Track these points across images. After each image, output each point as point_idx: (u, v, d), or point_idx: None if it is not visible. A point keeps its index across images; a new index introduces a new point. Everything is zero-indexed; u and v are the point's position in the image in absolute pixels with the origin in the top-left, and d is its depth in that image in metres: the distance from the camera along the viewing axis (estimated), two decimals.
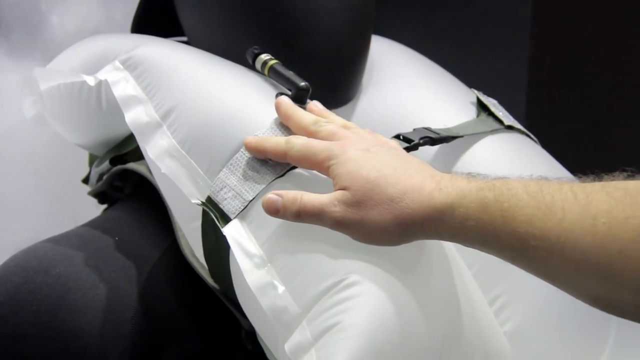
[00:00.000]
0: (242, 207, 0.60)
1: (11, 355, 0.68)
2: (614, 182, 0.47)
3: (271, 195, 0.53)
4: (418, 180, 0.50)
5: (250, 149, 0.57)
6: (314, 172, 0.59)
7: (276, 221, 0.59)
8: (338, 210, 0.52)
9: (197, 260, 0.69)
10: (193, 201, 0.62)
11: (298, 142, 0.55)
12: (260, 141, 0.57)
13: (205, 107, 0.65)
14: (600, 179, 0.49)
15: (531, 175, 0.51)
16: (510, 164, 0.71)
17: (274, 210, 0.53)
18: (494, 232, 0.48)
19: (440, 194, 0.49)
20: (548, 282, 0.49)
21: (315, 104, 0.61)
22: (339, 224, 0.52)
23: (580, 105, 0.73)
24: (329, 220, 0.51)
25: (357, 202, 0.52)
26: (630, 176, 0.46)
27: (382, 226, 0.51)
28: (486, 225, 0.48)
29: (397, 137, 0.69)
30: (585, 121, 0.72)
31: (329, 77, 0.72)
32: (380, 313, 0.55)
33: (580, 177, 0.51)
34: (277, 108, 0.59)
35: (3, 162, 0.88)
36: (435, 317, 0.57)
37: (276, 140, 0.56)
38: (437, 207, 0.49)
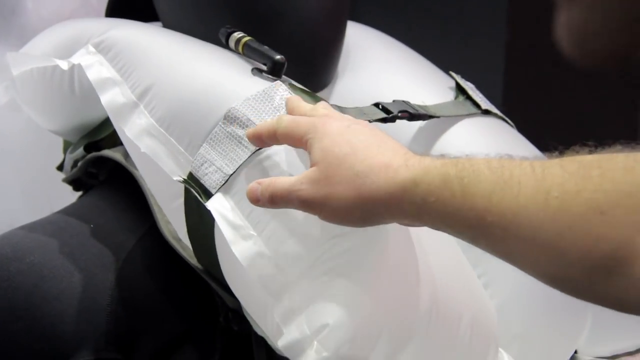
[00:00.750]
0: (224, 181, 0.60)
1: None
2: (570, 156, 0.46)
3: (252, 184, 0.53)
4: (387, 157, 0.50)
5: (250, 138, 0.57)
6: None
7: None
8: (304, 188, 0.51)
9: (179, 241, 0.69)
10: (175, 178, 0.62)
11: (285, 118, 0.55)
12: (257, 128, 0.57)
13: (181, 84, 0.66)
14: (563, 155, 0.48)
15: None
16: (486, 148, 0.70)
17: (254, 199, 0.53)
18: (455, 209, 0.47)
19: (405, 170, 0.48)
20: (508, 262, 0.48)
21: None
22: (304, 204, 0.51)
23: (557, 87, 0.74)
24: (295, 200, 0.51)
25: (324, 179, 0.51)
26: (592, 151, 0.45)
27: (346, 204, 0.50)
28: (447, 202, 0.47)
29: (377, 105, 0.69)
30: (562, 103, 0.73)
31: (305, 62, 0.72)
32: (367, 278, 0.56)
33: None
34: (286, 105, 0.60)
35: None
36: (424, 279, 0.59)
37: (269, 122, 0.56)
38: (400, 183, 0.48)
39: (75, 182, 0.81)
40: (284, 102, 0.62)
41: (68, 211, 0.75)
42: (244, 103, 0.60)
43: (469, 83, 0.77)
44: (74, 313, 0.67)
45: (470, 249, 0.65)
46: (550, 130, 0.67)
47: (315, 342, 0.55)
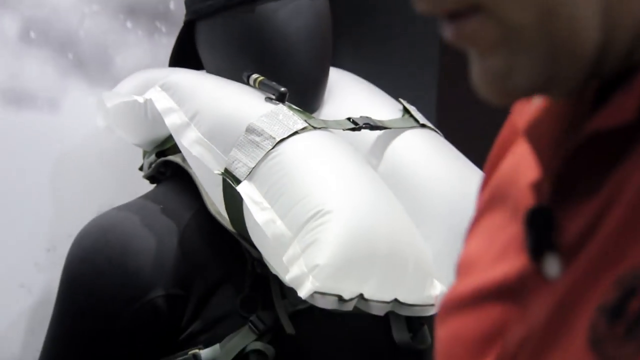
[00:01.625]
0: (248, 172, 0.85)
1: (93, 286, 0.95)
2: None
3: None
4: None
5: None
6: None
7: (271, 180, 0.85)
8: None
9: (220, 214, 0.92)
10: (215, 172, 0.88)
11: None
12: None
13: (217, 109, 0.92)
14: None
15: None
16: (423, 150, 0.97)
17: None
18: None
19: None
20: None
21: None
22: None
23: (483, 106, 0.95)
24: None
25: None
26: None
27: None
28: None
29: (348, 119, 0.94)
30: (490, 122, 0.92)
31: (301, 93, 0.97)
32: (342, 234, 0.82)
33: None
34: None
35: (88, 157, 1.13)
36: (384, 232, 0.84)
37: None
38: None
39: (151, 178, 1.05)
40: (286, 118, 0.89)
41: (146, 196, 1.00)
42: (259, 119, 0.87)
43: (411, 106, 1.01)
44: (151, 263, 0.93)
45: (415, 215, 0.91)
46: (474, 139, 0.88)
47: (310, 277, 0.81)
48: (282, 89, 0.91)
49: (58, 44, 1.15)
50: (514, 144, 0.53)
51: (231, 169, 0.88)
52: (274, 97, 0.92)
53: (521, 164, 0.47)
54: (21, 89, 1.13)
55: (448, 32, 0.36)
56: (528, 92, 0.39)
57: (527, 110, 0.45)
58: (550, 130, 0.42)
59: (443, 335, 0.57)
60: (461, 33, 0.36)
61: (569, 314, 0.37)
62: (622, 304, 0.36)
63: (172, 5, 1.21)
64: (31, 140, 1.15)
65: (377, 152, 0.95)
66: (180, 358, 0.92)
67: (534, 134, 0.44)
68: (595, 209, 0.37)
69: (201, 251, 0.99)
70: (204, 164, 0.90)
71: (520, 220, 0.42)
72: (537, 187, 0.41)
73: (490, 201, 0.52)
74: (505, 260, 0.47)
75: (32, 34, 1.13)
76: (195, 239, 0.99)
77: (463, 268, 0.54)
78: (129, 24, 1.19)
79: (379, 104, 1.02)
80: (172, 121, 0.93)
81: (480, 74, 0.38)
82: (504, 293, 0.47)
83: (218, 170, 0.89)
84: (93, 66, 1.17)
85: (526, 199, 0.42)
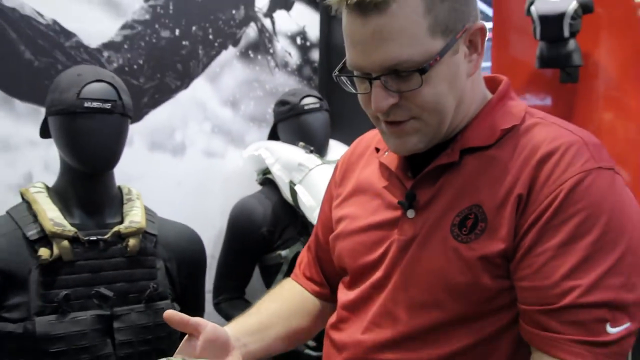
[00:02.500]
0: (299, 181, 2.02)
1: (239, 227, 2.13)
2: None
3: None
4: None
5: None
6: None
7: (307, 184, 2.00)
8: None
9: (288, 198, 2.08)
10: (286, 181, 2.07)
11: None
12: None
13: (287, 156, 2.08)
14: None
15: None
16: None
17: None
18: None
19: None
20: None
21: None
22: None
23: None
24: None
25: None
26: None
27: None
28: None
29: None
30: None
31: (317, 150, 2.21)
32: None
33: None
34: None
35: (233, 177, 2.46)
36: None
37: None
38: None
39: (260, 184, 2.26)
40: (313, 159, 2.05)
41: (260, 192, 2.21)
42: (303, 159, 2.06)
43: None
44: (261, 217, 2.11)
45: None
46: None
47: None
48: (312, 148, 2.16)
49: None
50: (355, 166, 1.16)
51: (293, 179, 2.11)
52: (309, 150, 2.17)
53: (371, 179, 1.10)
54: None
55: (385, 126, 0.97)
56: (420, 147, 0.98)
57: (359, 148, 1.19)
58: (399, 166, 1.03)
59: (346, 245, 1.10)
60: (401, 129, 0.95)
61: (436, 227, 0.97)
62: (462, 221, 0.95)
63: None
64: (207, 169, 2.45)
65: None
66: (274, 254, 2.13)
67: (390, 163, 1.05)
68: (433, 191, 0.98)
69: (280, 212, 2.12)
70: (282, 178, 2.14)
71: (385, 200, 1.05)
72: (398, 186, 1.02)
73: (354, 192, 1.11)
74: (380, 214, 1.05)
75: None
76: (278, 208, 2.12)
77: (349, 218, 1.10)
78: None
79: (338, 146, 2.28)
80: (269, 161, 2.16)
81: (399, 144, 0.98)
82: (384, 225, 1.04)
83: (288, 180, 2.13)
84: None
85: (390, 191, 1.05)
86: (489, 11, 5.34)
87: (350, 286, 1.11)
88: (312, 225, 2.05)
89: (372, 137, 1.21)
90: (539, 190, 0.91)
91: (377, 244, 1.05)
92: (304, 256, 1.31)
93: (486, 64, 4.43)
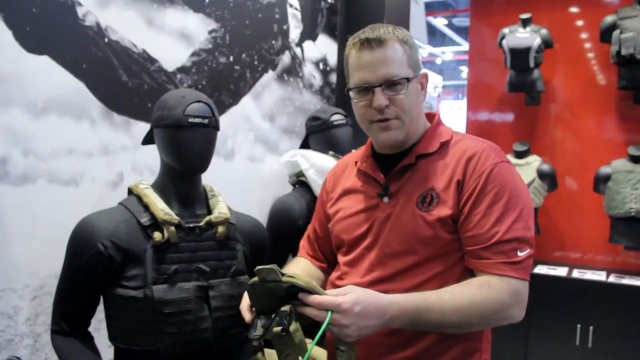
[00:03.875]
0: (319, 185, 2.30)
1: (280, 220, 2.29)
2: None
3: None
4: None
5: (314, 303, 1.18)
6: None
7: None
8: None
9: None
10: (319, 182, 2.26)
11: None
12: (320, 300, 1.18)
13: (319, 162, 2.25)
14: None
15: None
16: None
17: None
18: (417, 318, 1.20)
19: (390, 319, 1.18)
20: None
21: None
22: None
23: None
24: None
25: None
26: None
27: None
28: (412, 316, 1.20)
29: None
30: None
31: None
32: None
33: None
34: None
35: (270, 180, 2.62)
36: None
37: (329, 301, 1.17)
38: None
39: (294, 185, 2.42)
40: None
41: (294, 191, 2.37)
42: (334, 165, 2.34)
43: None
44: (298, 213, 2.25)
45: None
46: None
47: None
48: (340, 156, 2.33)
49: None
50: (341, 177, 1.56)
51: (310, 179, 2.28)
52: (338, 158, 2.34)
53: (354, 184, 1.49)
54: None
55: (376, 125, 1.37)
56: (399, 141, 1.39)
57: (341, 166, 1.60)
58: (375, 171, 1.44)
59: (342, 226, 1.48)
60: (388, 124, 1.35)
61: (406, 205, 1.37)
62: (423, 199, 1.36)
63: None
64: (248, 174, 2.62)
65: None
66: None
67: (366, 169, 1.46)
68: (400, 183, 1.38)
69: (313, 208, 1.95)
70: (316, 180, 2.29)
71: (366, 194, 1.45)
72: (374, 184, 1.43)
73: (344, 193, 1.50)
74: (362, 203, 1.45)
75: None
76: (311, 204, 2.19)
77: (342, 209, 1.49)
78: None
79: None
80: (305, 167, 2.33)
81: (386, 135, 1.37)
82: (367, 209, 1.43)
83: (320, 181, 2.27)
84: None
85: (370, 188, 1.45)
86: (466, 45, 5.54)
87: (347, 252, 1.45)
88: None
89: (349, 158, 1.60)
90: (469, 176, 1.32)
91: (365, 221, 1.42)
92: (305, 243, 1.66)
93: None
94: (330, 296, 1.13)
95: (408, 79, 1.33)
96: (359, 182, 1.48)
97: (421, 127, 1.42)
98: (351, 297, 1.13)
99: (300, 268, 1.55)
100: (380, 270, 1.35)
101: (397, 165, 1.39)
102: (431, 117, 1.47)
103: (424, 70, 1.41)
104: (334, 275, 1.47)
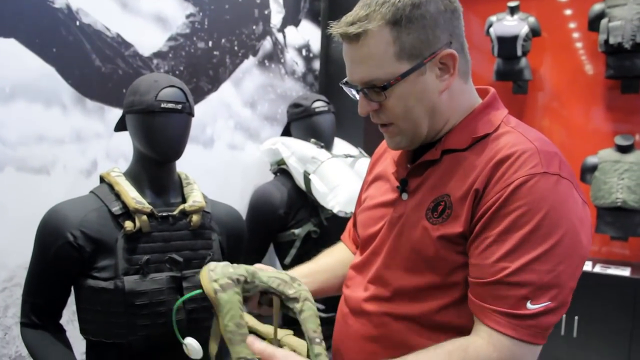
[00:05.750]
0: (313, 171, 2.22)
1: (259, 209, 2.26)
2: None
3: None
4: None
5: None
6: None
7: (320, 174, 2.14)
8: None
9: (301, 185, 2.20)
10: (301, 171, 2.20)
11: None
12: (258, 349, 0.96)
13: (300, 150, 2.25)
14: None
15: None
16: (364, 164, 2.35)
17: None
18: None
19: None
20: None
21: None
22: None
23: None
24: None
25: None
26: None
27: None
28: None
29: (345, 155, 2.31)
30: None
31: (326, 145, 2.34)
32: (344, 191, 2.23)
33: None
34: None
35: (250, 167, 2.58)
36: (354, 190, 2.26)
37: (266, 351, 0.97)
38: None
39: (275, 174, 2.37)
40: (323, 153, 2.20)
41: (275, 179, 2.34)
42: (315, 153, 2.25)
43: (360, 149, 2.43)
44: (278, 201, 2.22)
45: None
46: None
47: (336, 205, 2.13)
48: (322, 144, 2.30)
49: None
50: (381, 158, 1.31)
51: (307, 169, 2.21)
52: (320, 146, 2.31)
53: (387, 168, 1.23)
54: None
55: (379, 127, 1.11)
56: (406, 145, 1.11)
57: (383, 146, 1.32)
58: (402, 158, 1.17)
59: (362, 218, 1.25)
60: (386, 130, 1.10)
61: (417, 209, 1.08)
62: (435, 206, 1.05)
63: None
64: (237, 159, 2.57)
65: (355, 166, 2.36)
66: (288, 232, 2.25)
67: (395, 155, 1.20)
68: (420, 180, 1.09)
69: (294, 197, 2.22)
70: (297, 168, 2.24)
71: (391, 184, 1.17)
72: (400, 174, 1.15)
73: (375, 179, 1.26)
74: (386, 196, 1.19)
75: None
76: (292, 193, 2.21)
77: (369, 198, 1.25)
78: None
79: (351, 148, 2.43)
80: (286, 154, 2.28)
81: (389, 142, 1.12)
82: (386, 204, 1.18)
83: (302, 170, 2.24)
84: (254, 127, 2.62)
85: (394, 177, 1.16)
86: None
87: (361, 252, 1.22)
88: (321, 208, 2.21)
89: None
90: (492, 187, 0.97)
91: (379, 219, 1.16)
92: (350, 225, 1.43)
93: None
94: (268, 347, 0.96)
95: (395, 80, 1.02)
96: (391, 167, 1.21)
97: (455, 115, 1.09)
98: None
99: (330, 257, 1.38)
100: (380, 287, 1.12)
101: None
102: (484, 95, 1.14)
103: (444, 50, 1.03)
104: (345, 278, 1.27)
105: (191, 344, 1.22)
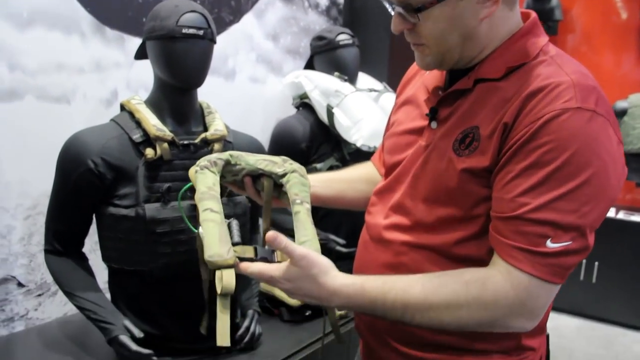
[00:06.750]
0: (337, 104, 2.11)
1: (284, 138, 2.12)
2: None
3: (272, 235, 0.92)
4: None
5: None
6: None
7: (344, 108, 2.07)
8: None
9: (324, 119, 2.13)
10: (324, 105, 2.17)
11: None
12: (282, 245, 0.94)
13: (324, 82, 2.17)
14: None
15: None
16: (389, 99, 2.24)
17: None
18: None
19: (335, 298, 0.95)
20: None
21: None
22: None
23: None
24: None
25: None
26: None
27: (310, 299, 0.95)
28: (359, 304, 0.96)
29: (369, 89, 2.22)
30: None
31: (350, 79, 2.24)
32: (367, 125, 2.18)
33: None
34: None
35: (272, 101, 2.54)
36: (379, 124, 2.21)
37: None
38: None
39: (297, 108, 2.29)
40: (347, 86, 2.12)
41: (297, 113, 2.23)
42: (339, 86, 2.12)
43: (384, 83, 2.34)
44: (301, 134, 2.11)
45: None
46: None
47: (360, 139, 2.12)
48: (346, 77, 2.19)
49: None
50: (412, 80, 1.23)
51: (330, 103, 2.12)
52: (344, 79, 2.20)
53: (418, 93, 1.15)
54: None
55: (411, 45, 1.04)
56: (435, 67, 1.06)
57: (414, 68, 1.24)
58: (435, 85, 1.10)
59: (389, 144, 1.19)
60: (417, 49, 1.04)
61: (444, 139, 1.03)
62: (463, 138, 1.00)
63: None
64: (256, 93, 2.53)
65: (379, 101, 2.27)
66: (310, 167, 2.13)
67: (427, 81, 1.13)
68: (451, 110, 1.04)
69: (317, 131, 2.11)
70: (320, 102, 2.16)
71: (421, 111, 1.11)
72: (432, 101, 1.08)
73: (405, 102, 1.18)
74: (415, 122, 1.12)
75: None
76: (315, 127, 2.12)
77: (397, 123, 1.18)
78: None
79: (375, 82, 2.35)
80: (309, 88, 2.19)
81: (419, 60, 1.06)
82: (415, 131, 1.11)
83: (325, 103, 2.13)
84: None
85: (425, 104, 1.10)
86: None
87: (385, 178, 1.19)
88: (344, 143, 2.15)
89: None
90: (521, 120, 0.92)
91: (407, 146, 1.12)
92: (380, 147, 1.34)
93: None
94: (262, 266, 0.96)
95: (431, 3, 0.96)
96: (422, 93, 1.15)
97: (493, 44, 1.02)
98: (284, 274, 0.94)
99: (353, 171, 1.35)
100: (400, 216, 1.09)
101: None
102: (525, 19, 1.05)
103: None
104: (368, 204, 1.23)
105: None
